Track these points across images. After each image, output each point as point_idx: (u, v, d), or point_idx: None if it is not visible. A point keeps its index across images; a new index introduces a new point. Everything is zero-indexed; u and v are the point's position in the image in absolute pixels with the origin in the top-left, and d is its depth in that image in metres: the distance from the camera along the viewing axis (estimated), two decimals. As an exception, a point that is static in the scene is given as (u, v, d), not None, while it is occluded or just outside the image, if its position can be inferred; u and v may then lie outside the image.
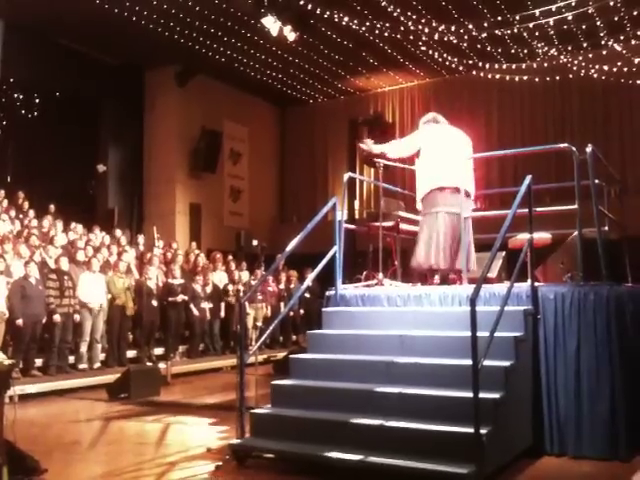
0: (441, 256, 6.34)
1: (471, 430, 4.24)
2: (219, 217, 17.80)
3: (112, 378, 8.87)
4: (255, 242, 14.70)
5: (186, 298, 11.83)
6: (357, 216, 16.22)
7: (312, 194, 19.14)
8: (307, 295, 13.56)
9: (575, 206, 5.71)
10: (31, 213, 13.02)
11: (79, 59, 14.82)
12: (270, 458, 5.14)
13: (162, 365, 10.04)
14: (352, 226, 7.84)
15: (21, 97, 15.78)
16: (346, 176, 7.26)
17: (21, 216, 12.83)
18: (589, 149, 5.76)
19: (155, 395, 8.59)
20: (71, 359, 10.04)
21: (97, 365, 10.30)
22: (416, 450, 4.44)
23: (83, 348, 10.13)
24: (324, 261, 6.28)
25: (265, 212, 19.39)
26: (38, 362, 9.52)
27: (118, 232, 13.54)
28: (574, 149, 5.85)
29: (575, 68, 14.69)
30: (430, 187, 6.51)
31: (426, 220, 6.52)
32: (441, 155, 6.53)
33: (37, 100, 15.87)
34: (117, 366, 10.26)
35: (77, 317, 9.99)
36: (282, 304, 13.71)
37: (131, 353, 11.07)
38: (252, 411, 5.38)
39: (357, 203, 17.31)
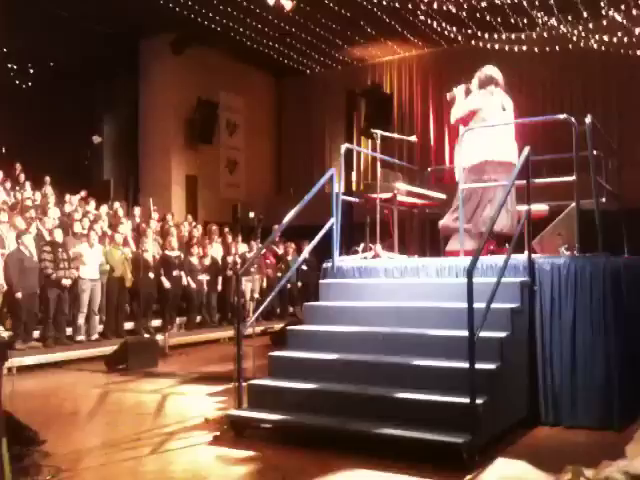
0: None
1: (467, 400, 4.28)
2: (215, 189, 17.73)
3: (110, 350, 8.91)
4: (252, 214, 14.67)
5: (182, 274, 11.81)
6: (354, 188, 16.15)
7: (309, 165, 19.04)
8: (304, 267, 13.57)
9: (573, 177, 5.68)
10: (27, 185, 12.95)
11: (73, 28, 14.57)
12: (267, 428, 5.19)
13: (159, 337, 10.08)
14: (349, 198, 7.78)
15: (15, 67, 15.58)
16: (343, 147, 7.19)
17: (17, 188, 12.76)
18: (588, 120, 5.72)
19: (153, 366, 8.63)
20: (69, 331, 10.04)
21: (95, 337, 10.32)
22: (412, 419, 4.48)
23: (81, 320, 10.14)
24: (321, 233, 6.27)
25: (262, 183, 19.31)
26: (35, 334, 9.52)
27: (116, 204, 13.48)
28: (573, 120, 5.80)
29: (575, 38, 14.53)
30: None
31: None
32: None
33: (31, 70, 15.67)
34: (115, 338, 10.29)
35: (68, 282, 9.76)
36: (279, 276, 13.71)
37: (128, 325, 11.09)
38: (250, 382, 5.41)
39: (354, 174, 17.20)
